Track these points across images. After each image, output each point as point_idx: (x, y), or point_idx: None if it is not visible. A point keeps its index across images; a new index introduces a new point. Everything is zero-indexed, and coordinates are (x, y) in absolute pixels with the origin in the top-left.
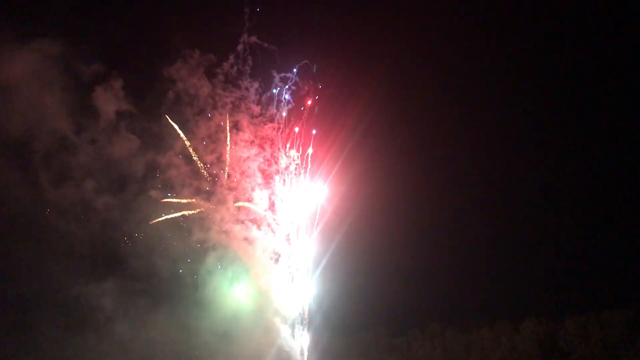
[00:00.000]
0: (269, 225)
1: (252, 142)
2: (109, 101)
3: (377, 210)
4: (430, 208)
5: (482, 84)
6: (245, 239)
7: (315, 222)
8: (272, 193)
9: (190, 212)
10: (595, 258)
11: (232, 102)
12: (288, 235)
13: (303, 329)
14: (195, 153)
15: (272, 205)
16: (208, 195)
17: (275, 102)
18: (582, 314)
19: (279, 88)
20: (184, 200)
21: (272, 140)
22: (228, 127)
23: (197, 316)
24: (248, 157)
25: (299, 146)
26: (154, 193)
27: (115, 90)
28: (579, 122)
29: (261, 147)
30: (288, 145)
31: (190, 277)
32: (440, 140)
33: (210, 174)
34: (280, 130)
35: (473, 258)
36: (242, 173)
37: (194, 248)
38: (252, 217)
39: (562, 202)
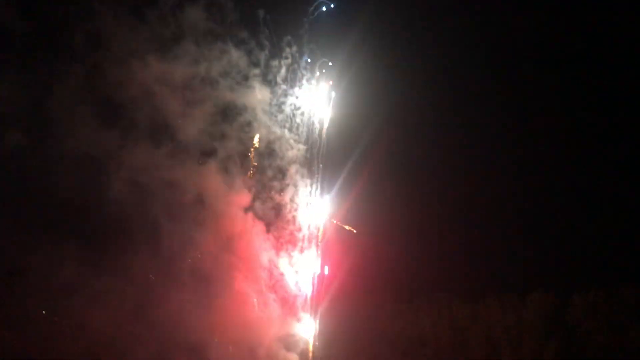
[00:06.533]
0: None
1: None
2: None
3: (384, 177)
4: (438, 177)
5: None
6: None
7: None
8: None
9: None
10: (604, 234)
11: None
12: None
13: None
14: None
15: None
16: None
17: None
18: (590, 289)
19: None
20: None
21: None
22: None
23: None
24: None
25: None
26: None
27: None
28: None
29: None
30: None
31: None
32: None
33: None
34: None
35: (481, 229)
36: None
37: None
38: None
39: (571, 174)
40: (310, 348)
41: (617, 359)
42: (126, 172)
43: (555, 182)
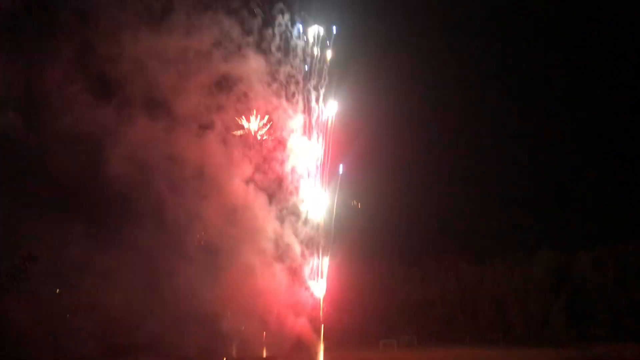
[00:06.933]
0: None
1: None
2: None
3: (391, 141)
4: (444, 139)
5: None
6: None
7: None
8: None
9: None
10: (609, 191)
11: None
12: None
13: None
14: None
15: None
16: None
17: None
18: (595, 246)
19: None
20: None
21: None
22: None
23: None
24: None
25: None
26: None
27: None
28: None
29: None
30: None
31: None
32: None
33: None
34: None
35: (487, 191)
36: None
37: None
38: None
39: (576, 134)
40: None
41: (622, 313)
42: (127, 148)
43: (559, 142)
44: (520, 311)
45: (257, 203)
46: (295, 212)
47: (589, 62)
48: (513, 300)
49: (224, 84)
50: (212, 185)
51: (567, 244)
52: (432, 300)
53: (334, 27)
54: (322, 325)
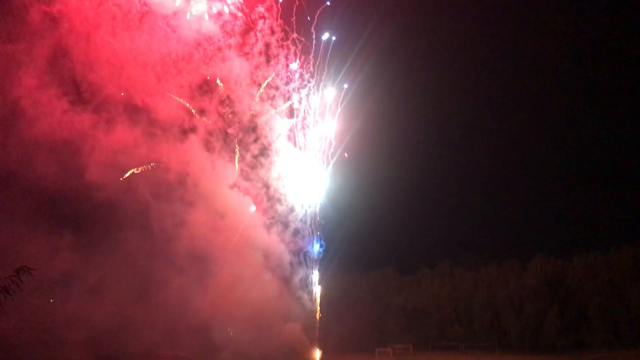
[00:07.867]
0: None
1: None
2: None
3: (385, 148)
4: (439, 147)
5: None
6: None
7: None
8: None
9: None
10: (601, 197)
11: None
12: None
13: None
14: None
15: None
16: None
17: None
18: (589, 252)
19: None
20: None
21: None
22: None
23: None
24: None
25: None
26: None
27: None
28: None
29: None
30: None
31: None
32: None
33: None
34: None
35: (482, 198)
36: None
37: None
38: None
39: (569, 141)
40: None
41: (617, 318)
42: (107, 155)
43: (554, 150)
44: (515, 318)
45: (243, 211)
46: (283, 221)
47: (579, 64)
48: (508, 306)
49: (206, 88)
50: (197, 191)
51: (561, 250)
52: (428, 307)
53: None
54: (318, 334)
